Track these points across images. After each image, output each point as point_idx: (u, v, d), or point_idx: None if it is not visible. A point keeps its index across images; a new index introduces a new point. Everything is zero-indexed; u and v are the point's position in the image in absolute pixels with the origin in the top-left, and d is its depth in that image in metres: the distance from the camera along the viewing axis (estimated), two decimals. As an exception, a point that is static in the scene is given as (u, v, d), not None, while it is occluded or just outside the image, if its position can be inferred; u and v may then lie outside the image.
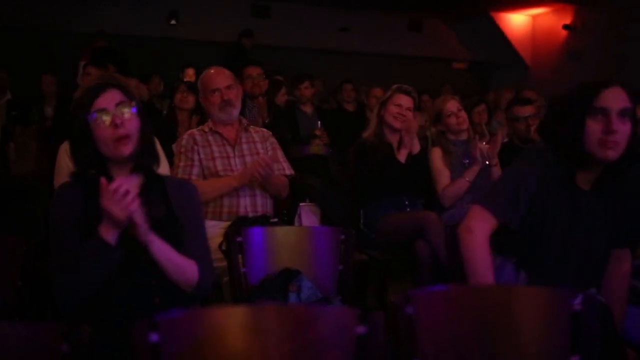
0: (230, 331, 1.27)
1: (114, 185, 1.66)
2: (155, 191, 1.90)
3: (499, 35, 10.98)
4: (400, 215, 3.38)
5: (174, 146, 3.24)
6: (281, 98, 5.81)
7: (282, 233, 2.49)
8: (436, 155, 3.64)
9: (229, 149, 3.06)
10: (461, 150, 3.67)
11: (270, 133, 3.25)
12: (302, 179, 3.59)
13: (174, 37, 9.79)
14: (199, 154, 3.01)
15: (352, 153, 3.58)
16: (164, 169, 2.83)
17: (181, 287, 1.84)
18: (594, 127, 1.82)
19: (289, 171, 3.15)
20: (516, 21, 11.08)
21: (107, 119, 1.78)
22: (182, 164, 3.01)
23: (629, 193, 1.99)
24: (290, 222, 3.35)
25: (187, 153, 3.01)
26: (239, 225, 2.69)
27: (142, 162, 1.88)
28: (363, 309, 1.29)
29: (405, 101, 3.53)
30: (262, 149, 3.10)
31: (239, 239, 2.35)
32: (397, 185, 3.46)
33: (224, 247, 2.54)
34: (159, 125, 4.44)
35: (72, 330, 1.28)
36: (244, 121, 3.20)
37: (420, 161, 3.54)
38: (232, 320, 1.29)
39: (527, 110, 4.02)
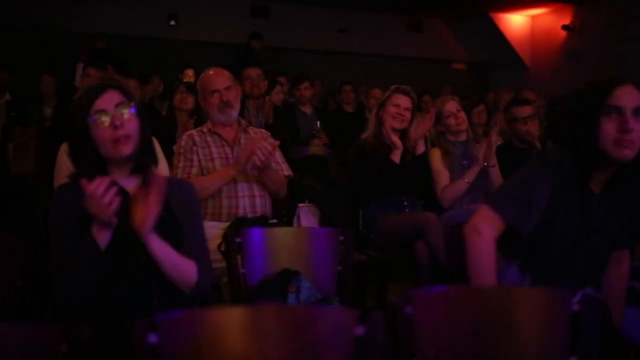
0: (229, 332, 1.27)
1: (91, 186, 1.67)
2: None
3: (498, 35, 10.98)
4: (399, 216, 3.38)
5: (174, 147, 3.24)
6: (276, 97, 5.81)
7: (281, 234, 2.49)
8: (435, 156, 3.64)
9: (227, 150, 3.06)
10: (460, 151, 3.67)
11: (269, 134, 3.25)
12: (301, 180, 3.59)
13: (174, 37, 9.79)
14: (198, 155, 3.01)
15: (351, 154, 3.59)
16: (163, 169, 2.83)
17: (180, 287, 1.84)
18: (608, 126, 1.79)
19: (287, 172, 3.15)
20: (515, 22, 11.09)
21: (106, 119, 1.78)
22: (181, 164, 3.01)
23: (638, 194, 1.97)
24: (289, 223, 3.35)
25: (186, 154, 3.02)
26: (238, 226, 2.70)
27: (142, 162, 1.88)
28: (362, 310, 1.29)
29: (404, 101, 3.53)
30: None
31: (238, 239, 2.35)
32: (396, 186, 3.46)
33: (223, 248, 2.54)
34: (159, 126, 4.44)
35: (72, 330, 1.28)
36: (243, 122, 3.21)
37: (420, 162, 3.54)
38: (231, 321, 1.29)
39: (525, 111, 4.02)
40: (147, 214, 1.72)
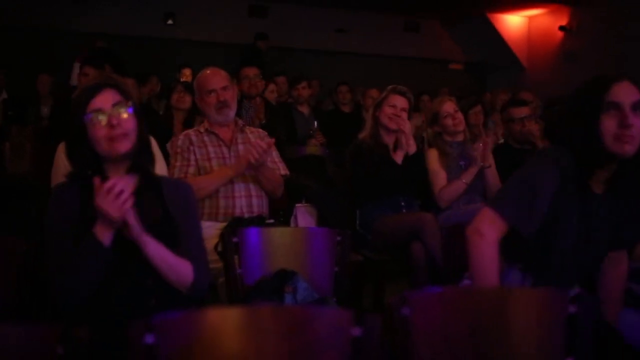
0: (226, 332, 1.27)
1: (108, 184, 1.67)
2: (151, 191, 1.90)
3: (495, 36, 10.99)
4: (396, 217, 3.39)
5: (168, 146, 3.24)
6: (269, 95, 5.82)
7: (278, 234, 2.49)
8: (432, 157, 3.64)
9: (224, 149, 3.06)
10: (457, 151, 3.68)
11: (266, 133, 3.25)
12: (299, 180, 3.59)
13: (171, 37, 9.79)
14: (195, 154, 3.01)
15: (348, 154, 3.59)
16: (161, 169, 2.83)
17: (176, 287, 1.84)
18: (608, 122, 1.79)
19: (284, 171, 3.15)
20: (512, 22, 11.10)
21: (103, 118, 1.78)
22: (178, 163, 3.01)
23: (638, 192, 1.97)
24: (287, 223, 3.35)
25: (183, 153, 3.02)
26: (235, 226, 2.70)
27: (138, 162, 1.88)
28: (359, 310, 1.30)
29: (400, 102, 3.53)
30: None
31: (234, 239, 2.35)
32: (393, 186, 3.46)
33: (219, 248, 2.54)
34: (156, 125, 4.44)
35: (68, 332, 1.28)
36: (240, 122, 3.21)
37: (417, 162, 3.55)
38: (228, 322, 1.29)
39: (522, 112, 4.03)
40: (127, 223, 1.72)
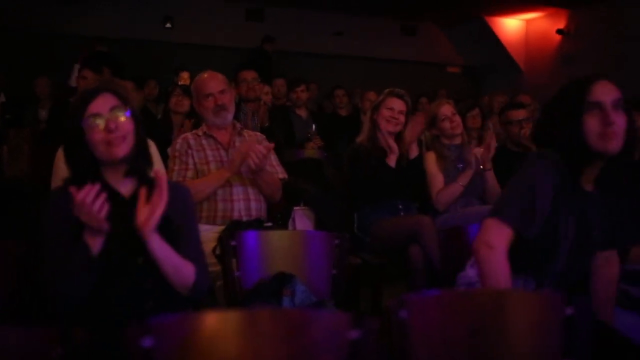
0: (223, 335, 1.27)
1: (78, 197, 1.66)
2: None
3: (492, 39, 11.02)
4: (394, 220, 3.39)
5: (169, 150, 3.24)
6: (265, 97, 5.82)
7: (276, 237, 2.49)
8: (430, 160, 3.64)
9: (222, 152, 3.06)
10: (455, 154, 3.68)
11: (264, 137, 3.26)
12: (297, 183, 3.59)
13: (169, 40, 9.80)
14: (193, 158, 3.02)
15: (346, 157, 3.59)
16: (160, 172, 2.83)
17: (177, 288, 1.84)
18: (591, 121, 1.84)
19: (282, 175, 3.16)
20: (510, 25, 11.13)
21: (100, 122, 1.78)
22: (176, 167, 3.01)
23: (627, 191, 2.00)
24: (285, 226, 3.35)
25: (182, 157, 3.02)
26: (233, 229, 2.69)
27: (136, 165, 1.88)
28: (357, 313, 1.30)
29: (398, 105, 3.54)
30: None
31: (232, 243, 2.35)
32: (391, 190, 3.46)
33: (217, 252, 2.54)
34: (154, 128, 4.44)
35: (66, 334, 1.28)
36: (238, 125, 3.21)
37: (414, 165, 3.55)
38: (226, 325, 1.28)
39: (520, 114, 4.04)
40: (150, 214, 1.73)
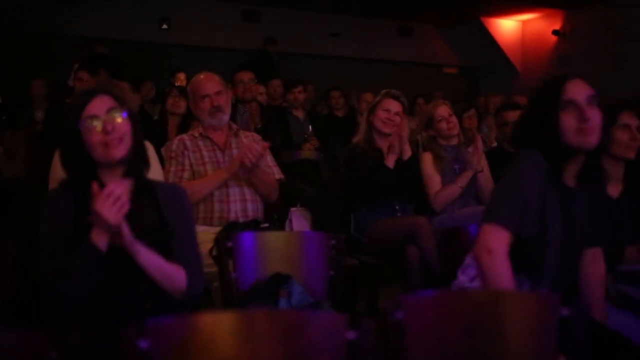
0: (220, 337, 1.27)
1: (107, 189, 1.67)
2: (145, 196, 1.90)
3: (489, 40, 11.04)
4: (390, 220, 3.39)
5: (162, 150, 3.24)
6: (259, 97, 5.82)
7: (273, 238, 2.49)
8: (427, 161, 3.65)
9: (219, 154, 3.06)
10: (452, 155, 3.68)
11: (261, 137, 3.26)
12: (293, 184, 3.59)
13: (166, 41, 9.79)
14: (189, 159, 3.02)
15: (342, 158, 3.59)
16: (157, 174, 2.84)
17: (170, 294, 1.84)
18: (568, 118, 1.90)
19: (279, 175, 3.16)
20: (506, 26, 11.15)
21: (98, 124, 1.78)
22: (173, 168, 3.01)
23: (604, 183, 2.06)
24: (281, 227, 3.35)
25: (178, 158, 3.02)
26: (230, 230, 2.69)
27: (133, 167, 1.88)
28: (354, 314, 1.30)
29: (394, 106, 3.54)
30: None
31: (229, 244, 2.35)
32: (388, 191, 3.46)
33: (214, 253, 2.54)
34: (151, 130, 4.43)
35: (61, 338, 1.28)
36: (234, 126, 3.22)
37: (411, 166, 3.55)
38: (223, 326, 1.28)
39: (515, 115, 4.02)
40: (119, 232, 1.72)
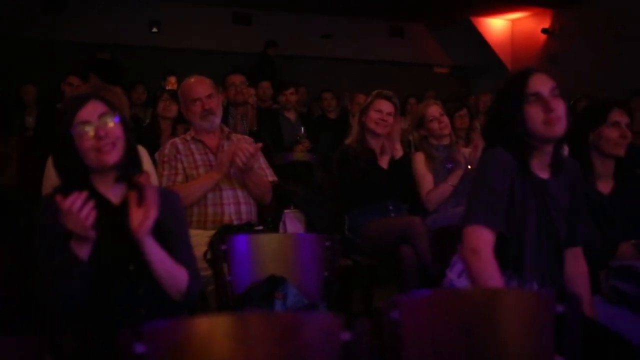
0: (216, 340, 1.27)
1: (66, 204, 1.65)
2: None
3: (479, 39, 11.08)
4: (384, 221, 3.39)
5: (156, 155, 3.24)
6: (250, 100, 5.81)
7: (267, 240, 2.49)
8: (419, 160, 3.66)
9: (211, 157, 3.06)
10: (444, 154, 3.69)
11: (252, 140, 3.26)
12: (286, 186, 3.59)
13: (156, 45, 9.76)
14: (182, 163, 3.02)
15: (335, 160, 3.59)
16: (151, 179, 2.83)
17: (170, 293, 1.84)
18: (534, 110, 1.96)
19: (272, 178, 3.16)
20: (496, 26, 11.19)
21: (90, 129, 1.78)
22: (165, 172, 3.01)
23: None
24: (275, 229, 3.35)
25: (171, 162, 3.02)
26: (224, 233, 2.69)
27: (126, 172, 1.88)
28: (349, 315, 1.30)
29: (386, 106, 3.55)
30: None
31: (223, 247, 2.35)
32: (381, 191, 3.47)
33: (209, 256, 2.54)
34: (142, 134, 4.42)
35: (57, 342, 1.28)
36: (226, 129, 3.22)
37: (403, 166, 3.56)
38: (218, 329, 1.29)
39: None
40: (144, 217, 1.74)
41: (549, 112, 1.94)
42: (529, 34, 10.76)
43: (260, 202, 3.11)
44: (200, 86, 3.10)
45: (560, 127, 1.96)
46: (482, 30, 11.05)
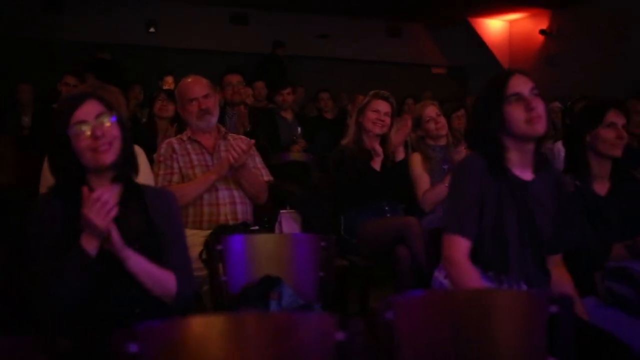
0: (210, 340, 1.27)
1: (95, 194, 1.67)
2: (134, 201, 1.90)
3: (477, 40, 11.09)
4: (380, 221, 3.39)
5: (154, 156, 3.24)
6: (247, 100, 5.82)
7: (263, 240, 2.49)
8: (416, 161, 3.66)
9: (207, 157, 3.06)
10: (440, 155, 3.70)
11: (248, 139, 3.25)
12: (282, 186, 3.59)
13: (154, 45, 9.75)
14: (178, 162, 3.02)
15: (332, 160, 3.59)
16: (148, 178, 2.83)
17: (160, 299, 1.84)
18: (515, 110, 2.00)
19: (267, 177, 3.16)
20: (493, 26, 11.20)
21: (86, 129, 1.78)
22: (161, 172, 3.01)
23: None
24: (271, 229, 3.34)
25: (167, 161, 3.02)
26: (220, 233, 2.69)
27: (122, 171, 1.87)
28: (344, 315, 1.30)
29: (383, 106, 3.55)
30: None
31: (219, 247, 2.35)
32: (377, 192, 3.47)
33: (204, 256, 2.54)
34: (138, 134, 4.41)
35: (51, 342, 1.27)
36: (222, 129, 3.21)
37: (400, 167, 3.56)
38: (212, 329, 1.29)
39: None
40: (108, 237, 1.72)
41: (530, 110, 1.98)
42: (527, 35, 10.77)
43: (256, 202, 3.11)
44: (197, 86, 3.10)
45: (541, 125, 1.99)
46: (479, 30, 11.07)
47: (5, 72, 7.81)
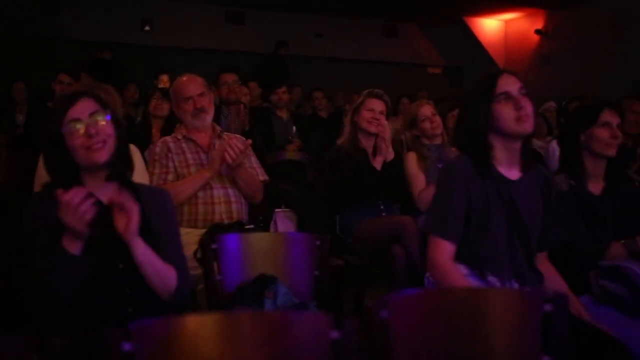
0: (204, 339, 1.27)
1: (65, 197, 1.66)
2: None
3: (472, 40, 11.10)
4: (375, 220, 3.39)
5: (145, 154, 3.23)
6: (243, 99, 5.80)
7: (258, 239, 2.48)
8: (411, 160, 3.66)
9: (202, 155, 3.06)
10: (436, 154, 3.70)
11: (244, 139, 3.25)
12: (278, 185, 3.59)
13: (149, 44, 9.73)
14: (173, 161, 3.01)
15: (327, 160, 3.59)
16: (143, 177, 2.82)
17: (159, 293, 1.84)
18: (505, 108, 2.01)
19: (262, 177, 3.16)
20: (489, 26, 11.22)
21: (81, 127, 1.77)
22: (157, 170, 3.00)
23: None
24: (266, 229, 3.35)
25: (162, 160, 3.01)
26: (214, 232, 2.68)
27: (116, 170, 1.87)
28: (339, 314, 1.30)
29: (378, 105, 3.55)
30: None
31: (214, 246, 2.34)
32: (373, 192, 3.47)
33: (199, 255, 2.53)
34: (133, 132, 4.41)
35: (44, 342, 1.27)
36: (217, 128, 3.21)
37: (395, 166, 3.56)
38: (206, 328, 1.28)
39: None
40: (128, 220, 1.73)
41: (519, 109, 2.00)
42: (522, 35, 10.80)
43: (252, 201, 3.10)
44: (192, 85, 3.10)
45: (529, 124, 2.02)
46: (475, 30, 11.08)
47: (5, 71, 7.78)
